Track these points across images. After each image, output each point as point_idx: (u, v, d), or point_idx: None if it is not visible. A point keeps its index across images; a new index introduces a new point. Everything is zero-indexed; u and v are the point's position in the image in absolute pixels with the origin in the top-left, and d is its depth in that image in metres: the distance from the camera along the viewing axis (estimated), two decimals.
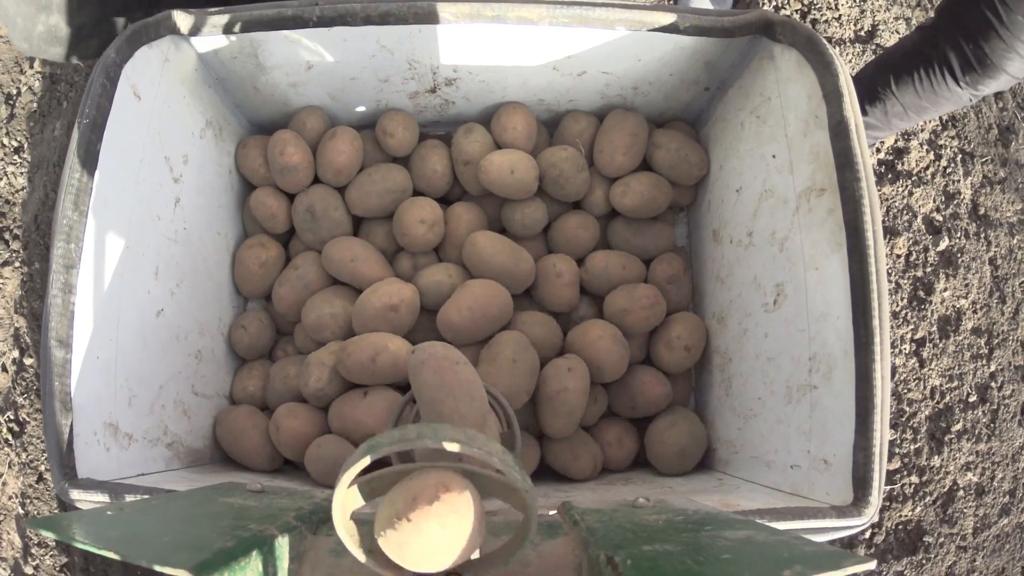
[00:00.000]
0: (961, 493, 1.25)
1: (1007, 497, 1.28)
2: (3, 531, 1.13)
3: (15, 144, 1.20)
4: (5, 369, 1.15)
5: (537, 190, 0.94)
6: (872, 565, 0.39)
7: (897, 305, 1.26)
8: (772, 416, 0.79)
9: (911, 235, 1.28)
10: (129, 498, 0.65)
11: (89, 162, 0.69)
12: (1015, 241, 1.32)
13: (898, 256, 1.28)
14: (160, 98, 0.79)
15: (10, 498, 1.13)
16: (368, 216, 0.97)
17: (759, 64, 0.81)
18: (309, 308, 0.90)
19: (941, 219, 1.29)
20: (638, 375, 0.91)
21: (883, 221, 1.27)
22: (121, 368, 0.74)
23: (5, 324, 1.15)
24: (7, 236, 1.17)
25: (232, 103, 0.95)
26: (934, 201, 1.30)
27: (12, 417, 1.14)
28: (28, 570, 1.11)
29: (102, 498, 0.66)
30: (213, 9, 0.76)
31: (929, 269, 1.28)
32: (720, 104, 0.93)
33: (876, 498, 0.64)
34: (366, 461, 0.39)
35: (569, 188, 0.93)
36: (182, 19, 0.76)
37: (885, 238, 1.27)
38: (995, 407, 1.28)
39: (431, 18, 0.74)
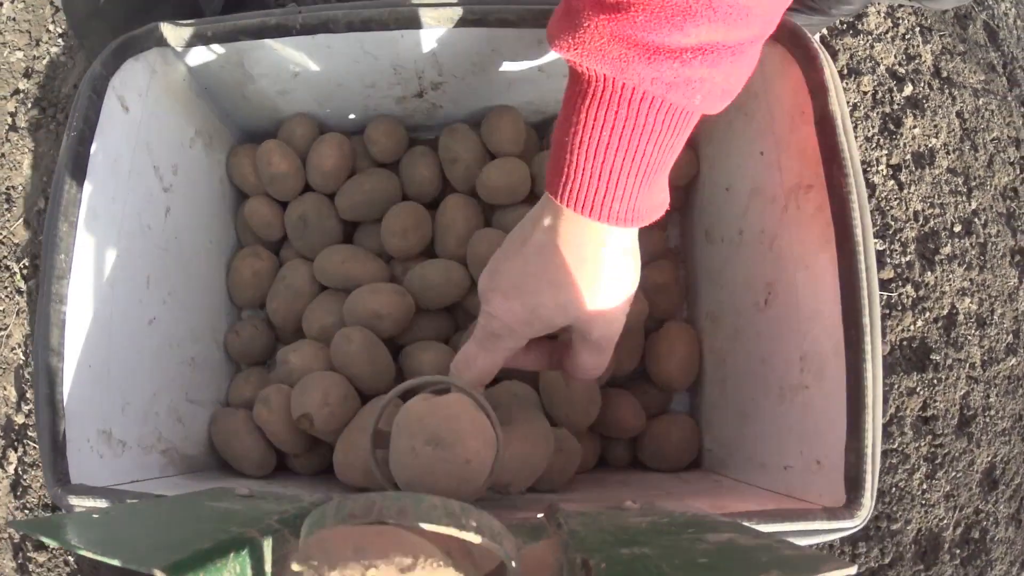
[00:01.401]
0: (961, 318, 1.26)
1: (1011, 336, 1.28)
2: (1, 384, 1.17)
3: (59, 30, 1.30)
4: (28, 223, 1.21)
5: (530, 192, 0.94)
6: (852, 570, 0.38)
7: (869, 131, 1.28)
8: (765, 417, 0.78)
9: (875, 78, 1.30)
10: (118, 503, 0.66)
11: (78, 174, 0.70)
12: (981, 102, 1.33)
13: (864, 92, 1.29)
14: (148, 109, 0.80)
15: (12, 349, 1.18)
16: (360, 221, 0.97)
17: None
18: (310, 320, 0.91)
19: (904, 72, 1.31)
20: (616, 400, 0.91)
21: (847, 64, 1.32)
22: (114, 376, 0.75)
23: (33, 180, 1.23)
24: (44, 104, 1.27)
25: (222, 112, 0.95)
26: (895, 57, 1.31)
27: (27, 264, 1.21)
28: (19, 419, 1.15)
29: (94, 503, 0.66)
30: (198, 20, 0.77)
31: (896, 107, 1.29)
32: None
33: (869, 499, 0.63)
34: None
35: None
36: (168, 31, 0.76)
37: (849, 78, 1.32)
38: (983, 241, 1.29)
39: (413, 23, 0.74)
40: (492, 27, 0.75)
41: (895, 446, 1.22)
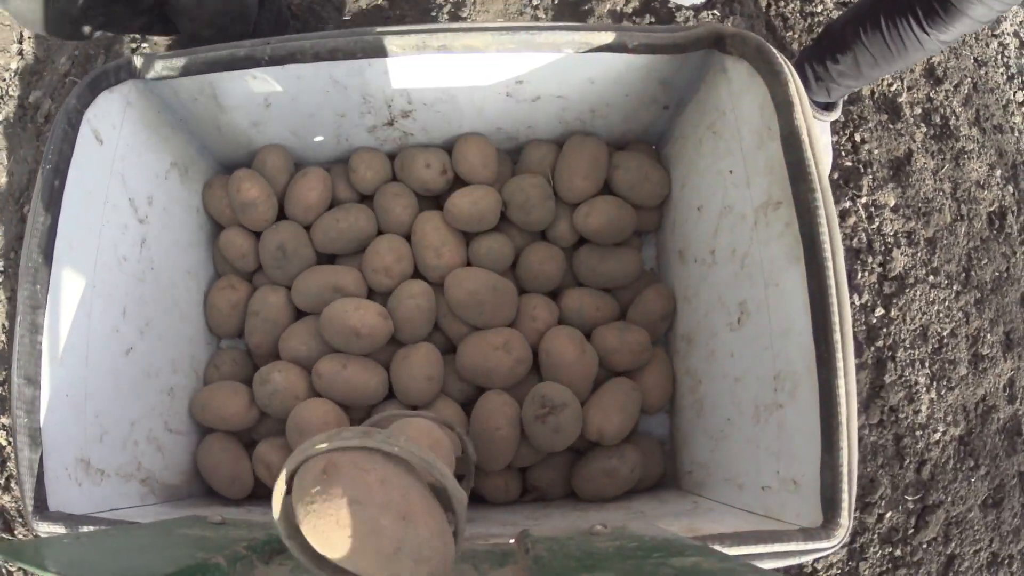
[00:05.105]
0: None
1: None
2: None
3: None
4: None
5: (501, 217, 0.94)
6: None
7: None
8: (742, 437, 0.77)
9: None
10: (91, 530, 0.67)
11: (53, 205, 0.72)
12: None
13: None
14: (123, 141, 0.81)
15: None
16: (337, 254, 0.98)
17: (713, 78, 0.81)
18: (285, 347, 0.92)
19: None
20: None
21: None
22: (91, 405, 0.76)
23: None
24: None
25: (198, 144, 0.97)
26: None
27: None
28: None
29: (73, 531, 0.67)
30: (170, 52, 0.78)
31: None
32: (679, 122, 0.92)
33: (846, 519, 0.62)
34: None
35: (535, 215, 0.93)
36: (141, 63, 0.78)
37: None
38: None
39: (379, 51, 0.75)
40: (458, 53, 0.75)
41: None
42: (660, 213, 1.00)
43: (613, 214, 0.92)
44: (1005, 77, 1.34)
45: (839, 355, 0.62)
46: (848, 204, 1.23)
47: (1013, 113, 1.33)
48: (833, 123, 1.26)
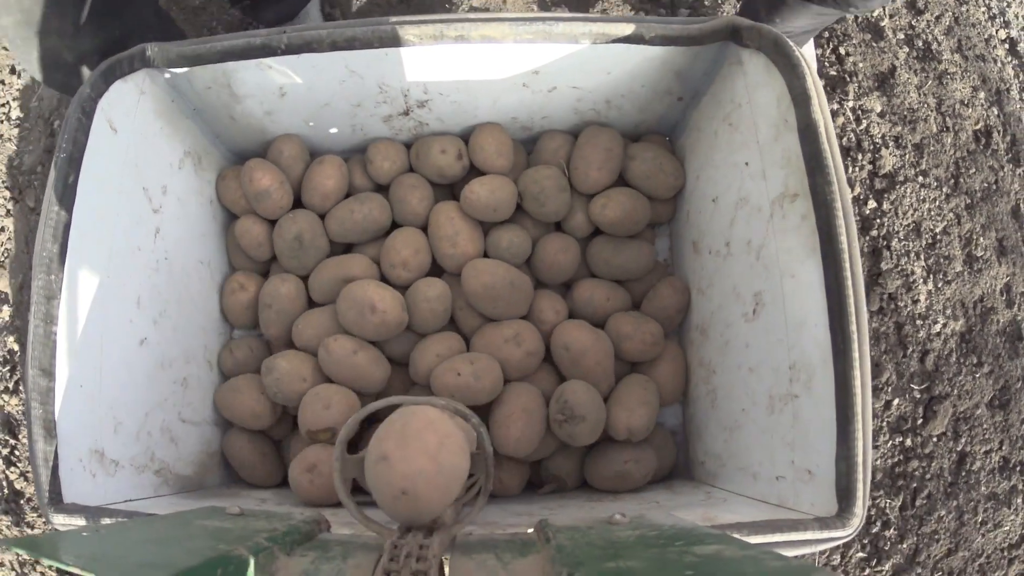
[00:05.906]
0: None
1: None
2: None
3: None
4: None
5: (516, 208, 0.94)
6: None
7: None
8: (756, 427, 0.77)
9: None
10: (109, 522, 0.66)
11: (67, 195, 0.71)
12: None
13: None
14: (137, 130, 0.80)
15: None
16: (352, 243, 0.98)
17: (728, 70, 0.81)
18: (298, 333, 0.91)
19: None
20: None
21: None
22: (105, 396, 0.76)
23: None
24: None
25: (212, 133, 0.96)
26: None
27: None
28: None
29: (85, 523, 0.67)
30: (184, 41, 0.77)
31: None
32: (694, 114, 0.92)
33: (861, 509, 0.63)
34: None
35: (549, 207, 0.93)
36: (155, 52, 0.77)
37: None
38: None
39: (396, 41, 0.75)
40: (475, 43, 0.75)
41: None
42: (674, 204, 1.00)
43: (629, 206, 0.92)
44: (987, 16, 1.38)
45: (855, 347, 0.62)
46: (836, 107, 1.27)
47: (995, 47, 1.37)
48: (816, 37, 1.28)
